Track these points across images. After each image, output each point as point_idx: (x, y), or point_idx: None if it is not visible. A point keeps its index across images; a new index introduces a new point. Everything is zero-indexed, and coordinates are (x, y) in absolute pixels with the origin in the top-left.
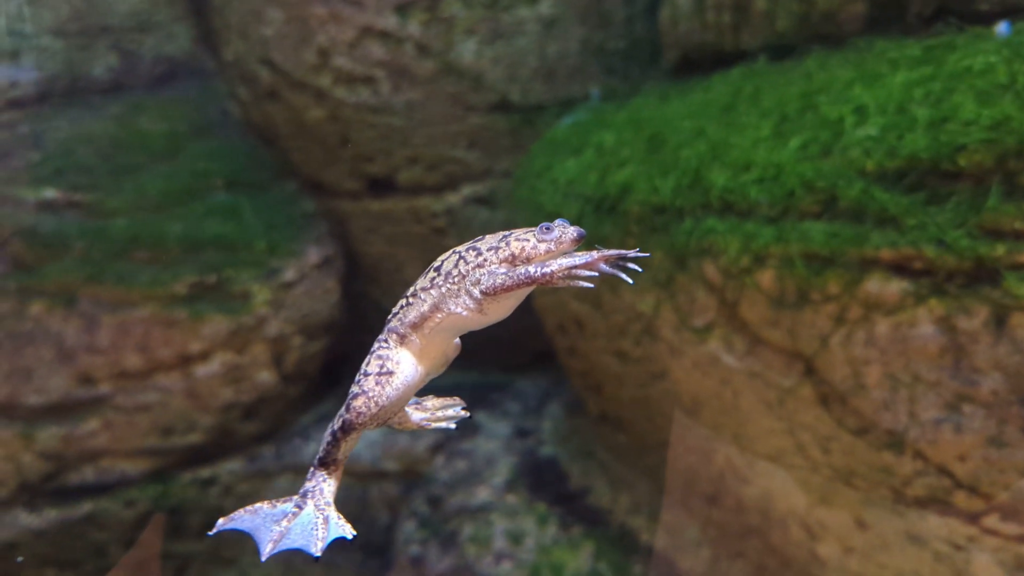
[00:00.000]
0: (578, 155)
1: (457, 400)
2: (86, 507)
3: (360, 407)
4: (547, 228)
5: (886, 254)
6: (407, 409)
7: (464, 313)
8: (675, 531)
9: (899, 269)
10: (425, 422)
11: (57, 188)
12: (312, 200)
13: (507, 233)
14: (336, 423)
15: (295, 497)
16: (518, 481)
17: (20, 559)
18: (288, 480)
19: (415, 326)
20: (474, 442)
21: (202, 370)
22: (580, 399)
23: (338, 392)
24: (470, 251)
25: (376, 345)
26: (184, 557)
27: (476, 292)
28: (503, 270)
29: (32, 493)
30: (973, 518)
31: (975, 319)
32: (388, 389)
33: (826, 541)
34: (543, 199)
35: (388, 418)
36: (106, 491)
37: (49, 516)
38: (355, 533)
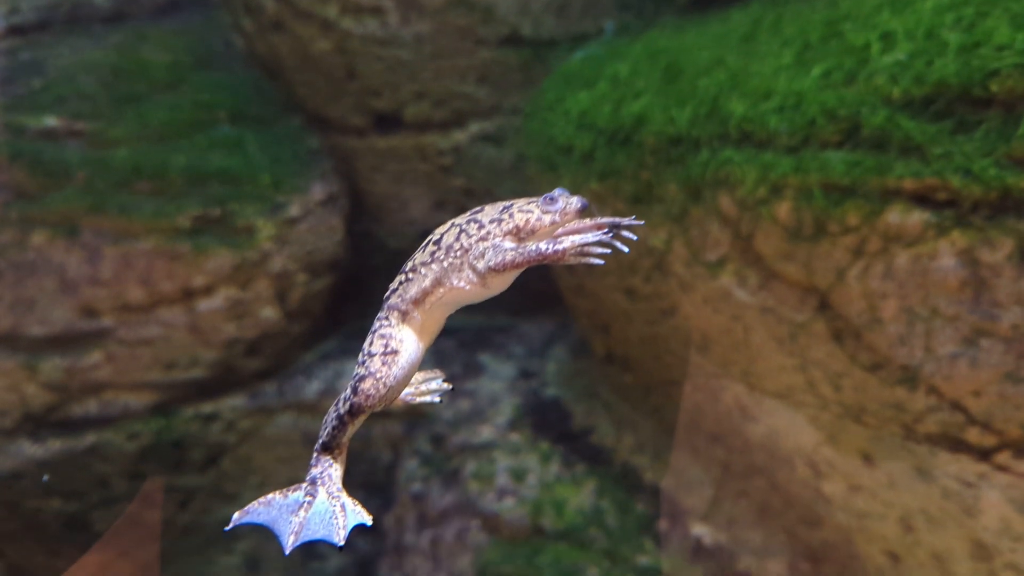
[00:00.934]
0: (591, 87)
1: (438, 372)
2: (89, 439)
3: (369, 389)
4: (551, 199)
5: (909, 184)
6: None
7: (467, 287)
8: (679, 470)
9: (922, 200)
10: (410, 396)
11: (58, 116)
12: (317, 136)
13: (508, 204)
14: (343, 407)
15: (304, 485)
16: (521, 420)
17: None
18: (291, 417)
19: (416, 302)
20: (478, 383)
21: (205, 305)
22: (585, 341)
23: (341, 332)
24: (471, 223)
25: (377, 324)
26: (186, 491)
27: (481, 266)
28: (510, 245)
29: (36, 424)
30: (985, 455)
31: (999, 252)
32: (395, 369)
33: (832, 479)
34: (555, 131)
35: (394, 397)
36: (109, 423)
37: (53, 447)
38: (372, 518)
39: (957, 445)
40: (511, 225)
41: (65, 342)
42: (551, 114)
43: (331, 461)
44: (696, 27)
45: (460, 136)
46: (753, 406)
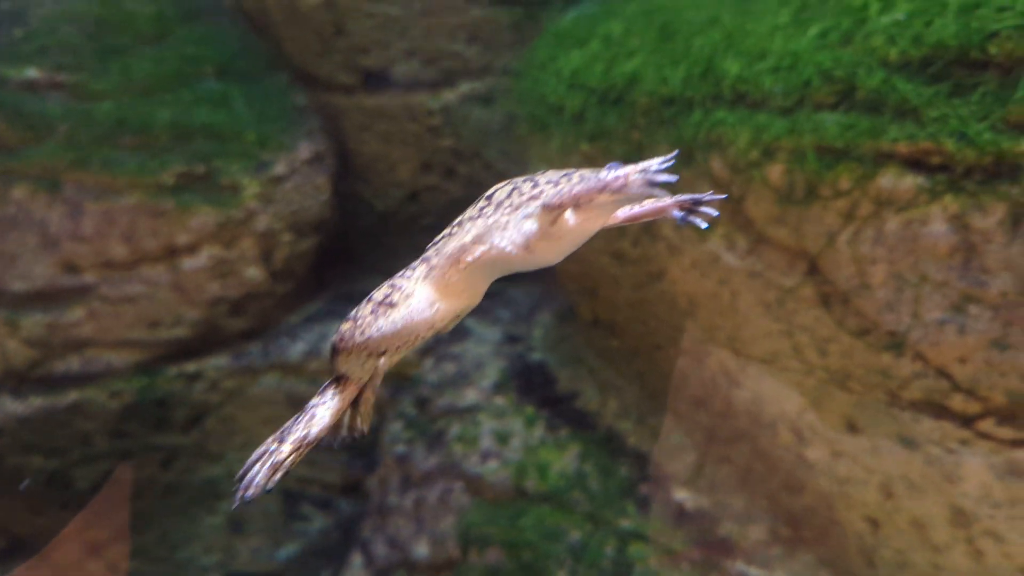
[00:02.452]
0: (584, 46)
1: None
2: (72, 396)
3: (345, 331)
4: (616, 166)
5: (903, 147)
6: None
7: (509, 248)
8: (663, 435)
9: (915, 164)
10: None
11: (40, 68)
12: (304, 93)
13: (570, 171)
14: None
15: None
16: (507, 384)
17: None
18: (275, 378)
19: (452, 258)
20: (463, 346)
21: (189, 263)
22: (572, 306)
23: (327, 293)
24: (527, 182)
25: (401, 272)
26: (170, 450)
27: (535, 207)
28: (576, 179)
29: (18, 380)
30: (967, 422)
31: (990, 218)
32: (382, 321)
33: (815, 445)
34: (546, 91)
35: (385, 350)
36: (91, 381)
37: (34, 403)
38: (257, 492)
39: (941, 412)
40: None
41: (47, 298)
42: (542, 73)
43: (332, 394)
44: None
45: (450, 96)
46: (738, 371)
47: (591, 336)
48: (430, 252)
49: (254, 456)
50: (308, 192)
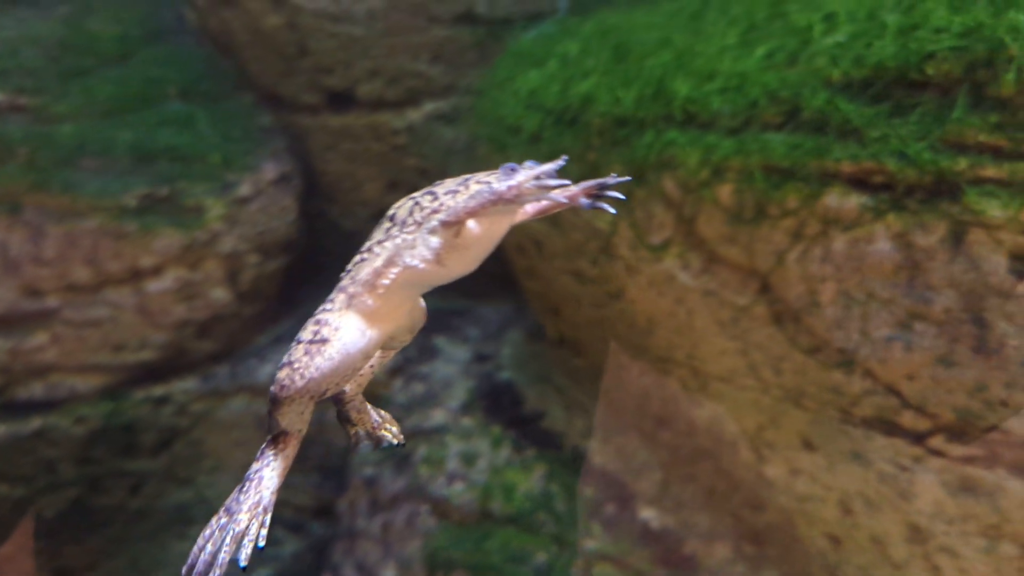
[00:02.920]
0: (541, 66)
1: (396, 428)
2: (36, 422)
3: (283, 379)
4: (511, 169)
5: (847, 167)
6: (371, 411)
7: (421, 266)
8: (627, 454)
9: (859, 183)
10: (375, 428)
11: (1, 91)
12: (269, 114)
13: (468, 177)
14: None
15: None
16: (474, 404)
17: None
18: (244, 400)
19: (368, 284)
20: (432, 366)
21: (153, 285)
22: (540, 324)
23: (295, 314)
24: (426, 196)
25: (320, 307)
26: (138, 475)
27: (435, 222)
28: (469, 193)
29: None
30: (919, 438)
31: (932, 235)
32: (319, 359)
33: (773, 463)
34: (504, 111)
35: (327, 390)
36: (56, 406)
37: None
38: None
39: (892, 429)
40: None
41: (9, 323)
42: (501, 93)
43: (273, 455)
44: (647, 6)
45: (414, 115)
46: (698, 389)
47: (558, 355)
48: (345, 281)
49: (201, 541)
50: (274, 213)
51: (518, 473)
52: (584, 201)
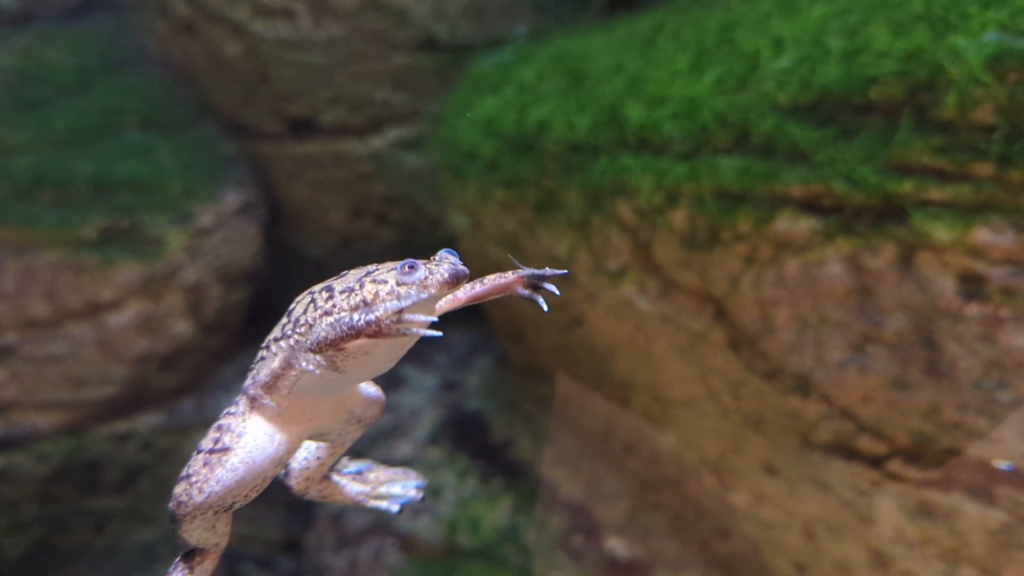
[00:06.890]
0: (498, 92)
1: (412, 475)
2: None
3: (180, 495)
4: (411, 267)
5: (796, 191)
6: (337, 479)
7: (316, 371)
8: (593, 483)
9: (809, 206)
10: (362, 498)
11: None
12: (232, 142)
13: (370, 270)
14: None
15: None
16: (441, 434)
17: None
18: None
19: (268, 387)
20: (400, 395)
21: (114, 319)
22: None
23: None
24: (323, 292)
25: (224, 411)
26: (102, 513)
27: (309, 342)
28: (331, 321)
29: None
30: (876, 462)
31: (881, 258)
32: (219, 471)
33: (737, 489)
34: (461, 138)
35: (234, 503)
36: (16, 445)
37: None
38: None
39: (850, 454)
40: (359, 298)
41: None
42: (459, 120)
43: (186, 572)
44: (603, 31)
45: (378, 142)
46: (660, 416)
47: (524, 382)
48: (247, 382)
49: None
50: (237, 242)
51: (484, 505)
52: (522, 291)
